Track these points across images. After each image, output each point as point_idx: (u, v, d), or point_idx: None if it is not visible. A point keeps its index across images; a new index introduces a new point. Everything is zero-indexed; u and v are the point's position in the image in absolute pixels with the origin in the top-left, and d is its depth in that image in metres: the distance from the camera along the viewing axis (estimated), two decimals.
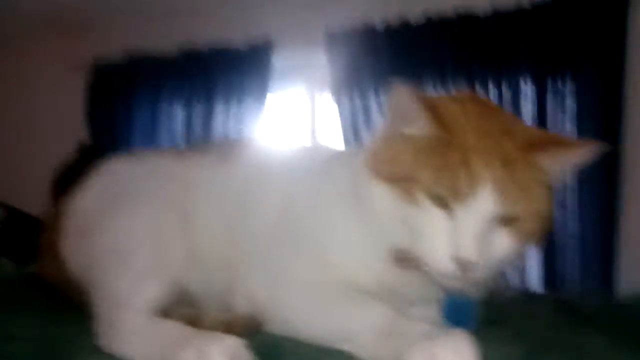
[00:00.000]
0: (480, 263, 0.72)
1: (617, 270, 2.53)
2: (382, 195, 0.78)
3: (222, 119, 3.29)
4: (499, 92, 2.71)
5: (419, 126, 0.76)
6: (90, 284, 0.91)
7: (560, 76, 2.62)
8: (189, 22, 3.36)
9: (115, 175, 1.05)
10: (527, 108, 2.67)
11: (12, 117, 4.00)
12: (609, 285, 2.49)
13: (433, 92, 2.73)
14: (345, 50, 2.92)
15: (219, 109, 3.31)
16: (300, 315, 0.83)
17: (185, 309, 0.89)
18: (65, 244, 1.00)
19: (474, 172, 0.72)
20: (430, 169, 0.73)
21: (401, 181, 0.76)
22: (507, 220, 0.74)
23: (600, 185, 2.51)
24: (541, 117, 2.62)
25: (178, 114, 3.43)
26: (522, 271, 2.54)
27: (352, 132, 2.96)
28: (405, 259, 0.79)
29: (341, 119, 2.99)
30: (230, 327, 0.84)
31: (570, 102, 2.61)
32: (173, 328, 0.79)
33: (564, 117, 2.61)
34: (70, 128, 3.52)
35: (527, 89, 2.69)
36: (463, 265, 0.72)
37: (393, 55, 2.84)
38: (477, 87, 2.71)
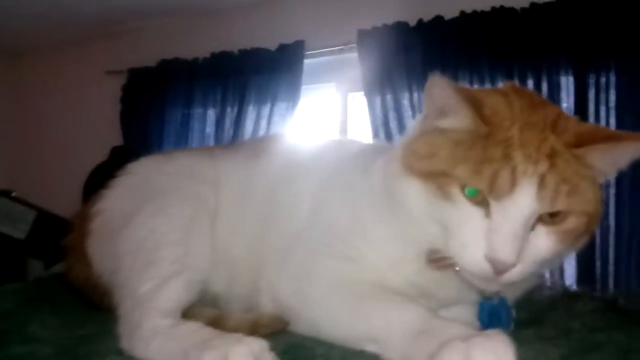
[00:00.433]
0: (517, 264, 0.68)
1: None
2: (415, 192, 0.74)
3: (254, 121, 3.30)
4: (538, 87, 2.62)
5: (457, 119, 0.72)
6: (115, 284, 0.90)
7: (603, 69, 2.52)
8: (220, 25, 3.39)
9: (143, 176, 1.05)
10: (569, 102, 2.58)
11: (47, 120, 4.11)
12: None
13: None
14: (377, 48, 2.88)
15: (251, 111, 3.32)
16: (327, 314, 0.81)
17: (208, 310, 0.88)
18: (92, 244, 1.01)
19: (516, 167, 0.68)
20: (468, 164, 0.69)
21: (436, 177, 0.72)
22: (549, 219, 0.70)
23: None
24: (582, 112, 2.52)
25: (210, 116, 3.47)
26: (558, 268, 2.43)
27: (384, 131, 2.92)
28: (439, 259, 0.76)
29: (373, 118, 2.95)
30: (255, 327, 0.83)
31: (612, 96, 2.50)
32: (195, 330, 0.77)
33: (607, 110, 2.51)
34: (106, 132, 3.59)
35: (568, 83, 2.60)
36: (498, 266, 0.68)
37: (426, 51, 2.78)
38: (516, 83, 2.62)
